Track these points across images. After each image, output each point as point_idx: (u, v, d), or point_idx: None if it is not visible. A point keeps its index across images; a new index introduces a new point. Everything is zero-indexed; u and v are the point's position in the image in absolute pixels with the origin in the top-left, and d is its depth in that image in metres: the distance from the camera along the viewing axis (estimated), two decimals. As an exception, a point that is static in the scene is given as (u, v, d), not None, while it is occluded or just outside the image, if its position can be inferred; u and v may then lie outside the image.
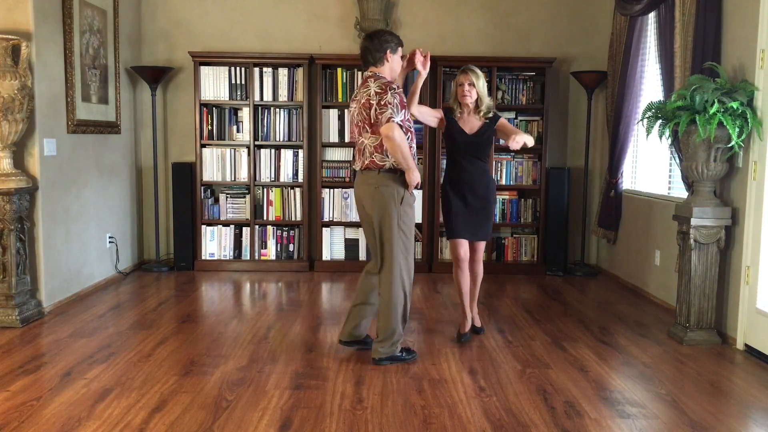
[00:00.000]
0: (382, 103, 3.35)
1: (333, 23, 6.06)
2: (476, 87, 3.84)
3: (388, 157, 3.44)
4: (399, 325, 3.54)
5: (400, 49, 3.60)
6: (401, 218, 3.47)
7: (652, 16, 5.08)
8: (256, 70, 5.84)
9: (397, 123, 3.34)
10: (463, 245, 3.96)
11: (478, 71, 3.87)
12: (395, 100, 3.37)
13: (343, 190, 5.93)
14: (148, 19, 6.04)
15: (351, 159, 3.64)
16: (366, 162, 3.49)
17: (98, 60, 5.23)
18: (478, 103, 3.89)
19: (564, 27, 6.08)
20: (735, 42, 3.96)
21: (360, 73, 5.83)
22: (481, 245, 4.07)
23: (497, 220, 6.00)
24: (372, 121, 3.41)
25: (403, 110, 3.43)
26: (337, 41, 6.07)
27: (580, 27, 6.08)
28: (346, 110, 5.80)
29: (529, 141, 3.72)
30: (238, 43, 6.06)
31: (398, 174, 3.47)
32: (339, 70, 5.86)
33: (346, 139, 5.90)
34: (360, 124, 3.50)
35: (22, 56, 4.15)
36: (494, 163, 5.89)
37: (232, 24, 6.06)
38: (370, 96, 3.40)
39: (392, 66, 3.55)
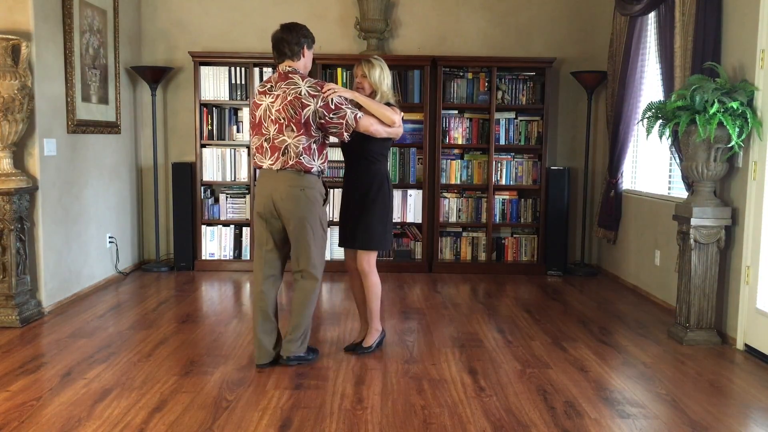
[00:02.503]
0: (332, 107, 3.31)
1: (333, 23, 6.06)
2: (369, 78, 3.55)
3: (315, 161, 3.38)
4: (310, 324, 3.55)
5: (313, 46, 3.53)
6: (322, 219, 3.47)
7: (652, 16, 5.08)
8: (256, 70, 5.84)
9: (362, 114, 3.40)
10: (348, 253, 3.76)
11: (375, 62, 3.57)
12: (343, 99, 3.37)
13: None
14: (148, 19, 6.04)
15: (264, 155, 3.40)
16: (291, 162, 3.32)
17: (98, 60, 5.23)
18: (374, 96, 3.57)
19: (564, 27, 6.08)
20: (735, 42, 3.96)
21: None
22: (360, 254, 3.65)
23: (497, 220, 6.01)
24: (303, 122, 3.29)
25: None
26: (337, 41, 6.07)
27: (580, 27, 6.08)
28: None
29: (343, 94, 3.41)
30: (238, 43, 6.06)
31: (320, 177, 3.47)
32: (339, 70, 5.86)
33: (346, 139, 5.88)
34: (283, 121, 3.30)
35: (22, 56, 4.15)
36: (494, 162, 5.90)
37: (232, 24, 6.06)
38: (300, 95, 3.28)
39: (306, 62, 3.47)
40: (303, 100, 3.28)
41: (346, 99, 3.39)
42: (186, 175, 5.85)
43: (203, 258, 5.95)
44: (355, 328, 4.18)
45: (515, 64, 5.88)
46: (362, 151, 3.58)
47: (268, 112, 3.35)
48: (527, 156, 6.00)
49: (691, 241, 3.91)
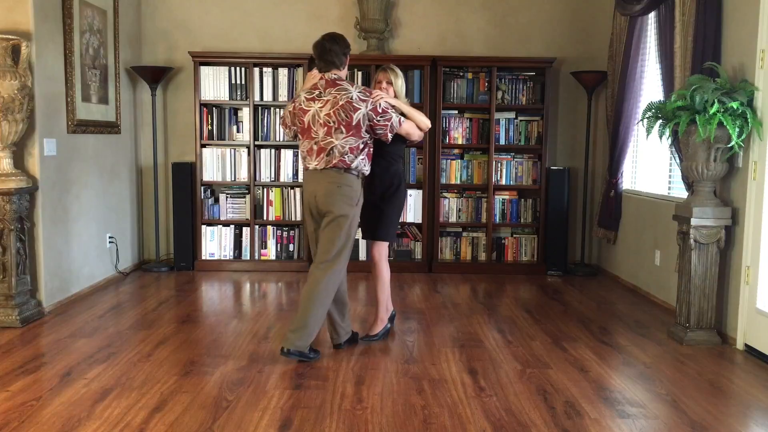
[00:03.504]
0: (380, 111, 3.61)
1: (333, 23, 6.06)
2: (394, 86, 3.90)
3: (357, 159, 3.60)
4: (319, 322, 3.58)
5: None
6: (353, 220, 3.64)
7: (652, 16, 5.08)
8: (256, 70, 5.84)
9: (403, 119, 3.76)
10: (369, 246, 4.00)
11: (398, 71, 3.95)
12: (388, 105, 3.69)
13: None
14: (148, 19, 6.04)
15: (312, 157, 3.63)
16: (334, 161, 3.56)
17: (98, 60, 5.23)
18: None
19: (564, 27, 6.09)
20: (735, 42, 3.96)
21: (360, 72, 5.85)
22: (375, 244, 3.96)
23: (497, 220, 6.01)
24: (355, 125, 3.55)
25: None
26: (337, 41, 6.06)
27: (580, 27, 6.08)
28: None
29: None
30: (238, 43, 6.06)
31: (359, 177, 3.68)
32: (339, 70, 5.85)
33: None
34: (333, 124, 3.55)
35: (22, 56, 4.15)
36: (494, 162, 5.90)
37: (232, 24, 6.06)
38: (351, 99, 3.56)
39: (346, 69, 3.76)
40: (354, 104, 3.56)
41: (390, 105, 3.70)
42: (186, 175, 5.85)
43: (203, 258, 5.95)
44: (354, 328, 4.17)
45: (515, 64, 5.88)
46: (384, 153, 3.86)
47: (317, 116, 3.59)
48: (527, 156, 6.00)
49: (691, 241, 3.91)
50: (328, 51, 3.63)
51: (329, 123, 3.56)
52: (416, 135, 3.85)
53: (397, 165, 3.96)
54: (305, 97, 3.64)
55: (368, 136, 3.65)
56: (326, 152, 3.56)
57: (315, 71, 3.75)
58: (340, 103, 3.55)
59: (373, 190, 3.90)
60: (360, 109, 3.56)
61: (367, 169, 3.69)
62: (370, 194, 3.88)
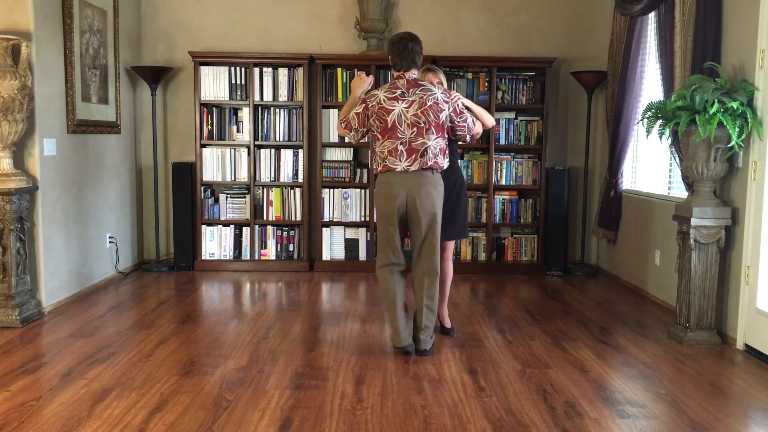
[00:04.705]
0: (459, 111, 3.66)
1: (333, 23, 6.06)
2: (443, 85, 3.93)
3: (445, 160, 3.66)
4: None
5: None
6: (439, 218, 3.69)
7: (652, 16, 5.08)
8: (256, 70, 5.84)
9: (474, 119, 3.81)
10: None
11: (441, 71, 3.99)
12: (463, 106, 3.74)
13: (343, 190, 5.94)
14: (148, 19, 6.04)
15: (399, 158, 3.57)
16: (429, 163, 3.57)
17: (98, 60, 5.23)
18: None
19: (564, 27, 6.09)
20: (735, 42, 3.96)
21: (360, 72, 5.84)
22: (449, 244, 4.04)
23: (497, 220, 6.01)
24: (441, 125, 3.60)
25: None
26: (337, 41, 6.07)
27: (580, 27, 6.08)
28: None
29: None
30: (238, 43, 6.06)
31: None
32: (339, 70, 5.86)
33: (346, 139, 5.90)
34: (423, 125, 3.56)
35: (22, 56, 4.15)
36: (494, 162, 5.91)
37: (232, 24, 6.06)
38: (437, 101, 3.58)
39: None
40: (440, 105, 3.59)
41: (465, 105, 3.75)
42: (186, 175, 5.85)
43: (203, 258, 5.95)
44: (355, 329, 4.18)
45: (515, 64, 5.88)
46: (449, 152, 3.82)
47: (402, 116, 3.57)
48: (527, 156, 6.00)
49: (691, 241, 3.91)
50: (411, 50, 3.63)
51: (419, 123, 3.56)
52: (479, 134, 3.95)
53: (456, 164, 4.03)
54: (386, 96, 3.60)
55: (447, 136, 3.69)
56: (419, 153, 3.56)
57: (363, 74, 3.85)
58: (428, 103, 3.56)
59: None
60: (444, 110, 3.60)
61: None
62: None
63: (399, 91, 3.60)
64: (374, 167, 3.71)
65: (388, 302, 3.70)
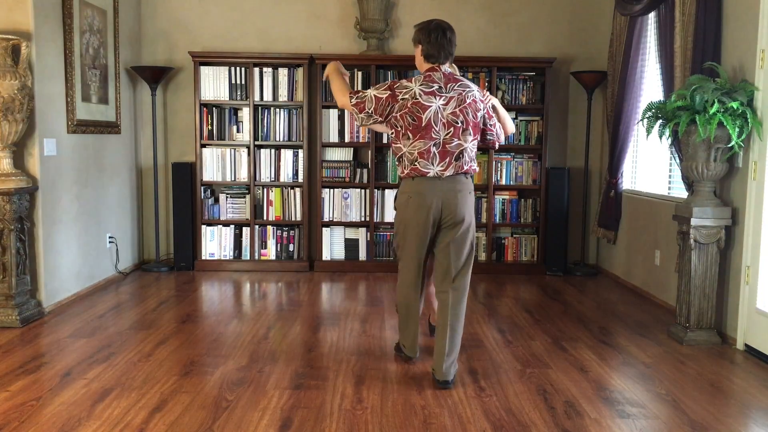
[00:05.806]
0: (491, 113, 3.35)
1: (333, 23, 6.06)
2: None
3: (475, 165, 3.32)
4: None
5: None
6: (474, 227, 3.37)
7: (652, 16, 5.08)
8: (256, 70, 5.84)
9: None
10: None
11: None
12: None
13: (343, 190, 5.94)
14: (148, 19, 6.04)
15: (431, 161, 3.18)
16: (465, 167, 3.22)
17: (98, 60, 5.23)
18: None
19: (564, 27, 6.09)
20: (735, 42, 3.96)
21: (360, 72, 5.85)
22: None
23: (497, 220, 6.01)
24: (477, 125, 3.25)
25: None
26: (337, 41, 6.07)
27: (580, 27, 6.08)
28: (346, 110, 5.77)
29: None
30: (238, 43, 6.06)
31: None
32: (339, 70, 5.85)
33: (346, 139, 5.91)
34: (460, 125, 3.17)
35: (22, 56, 4.15)
36: (494, 162, 5.90)
37: (232, 24, 6.06)
38: (476, 99, 3.23)
39: None
40: (477, 104, 3.23)
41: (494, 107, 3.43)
42: (186, 175, 5.85)
43: (203, 258, 5.95)
44: (355, 329, 4.18)
45: (515, 64, 5.87)
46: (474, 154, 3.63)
47: (439, 114, 3.16)
48: (527, 156, 6.00)
49: (691, 241, 3.91)
50: (449, 41, 3.25)
51: (456, 123, 3.16)
52: None
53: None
54: (423, 90, 3.15)
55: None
56: (454, 156, 3.17)
57: (405, 81, 3.23)
58: (467, 101, 3.18)
59: None
60: (480, 110, 3.25)
61: None
62: None
63: (436, 86, 3.17)
64: (401, 170, 3.27)
65: (411, 321, 3.44)
